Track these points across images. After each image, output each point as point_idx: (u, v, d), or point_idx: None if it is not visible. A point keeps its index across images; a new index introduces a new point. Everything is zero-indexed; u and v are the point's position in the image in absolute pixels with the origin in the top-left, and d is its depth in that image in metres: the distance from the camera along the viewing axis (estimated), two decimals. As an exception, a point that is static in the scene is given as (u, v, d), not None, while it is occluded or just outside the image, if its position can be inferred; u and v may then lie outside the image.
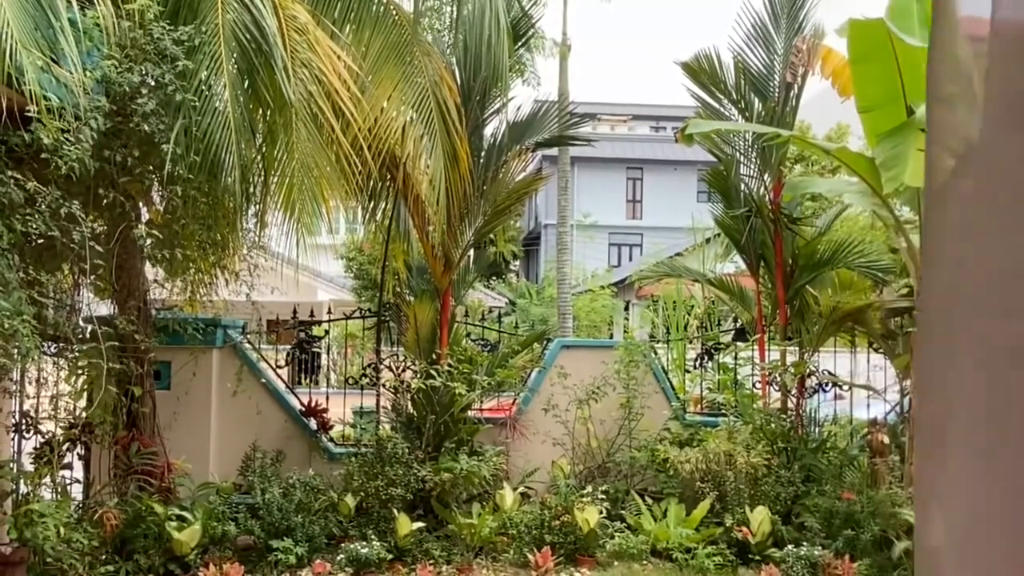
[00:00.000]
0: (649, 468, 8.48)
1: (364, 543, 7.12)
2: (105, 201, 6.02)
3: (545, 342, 9.90)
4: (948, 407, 0.99)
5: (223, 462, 8.06)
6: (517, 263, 38.07)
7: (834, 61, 8.76)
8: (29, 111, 4.95)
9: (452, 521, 7.62)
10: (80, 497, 7.40)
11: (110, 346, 6.36)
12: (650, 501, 8.17)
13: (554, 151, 20.08)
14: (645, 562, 7.45)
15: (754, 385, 9.41)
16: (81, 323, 6.85)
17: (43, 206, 5.30)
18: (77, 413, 7.16)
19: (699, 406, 9.89)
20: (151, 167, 6.11)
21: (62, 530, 5.94)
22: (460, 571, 7.21)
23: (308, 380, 10.72)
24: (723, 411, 9.03)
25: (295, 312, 9.11)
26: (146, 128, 5.73)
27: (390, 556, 7.16)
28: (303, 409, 8.55)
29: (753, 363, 9.41)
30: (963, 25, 0.99)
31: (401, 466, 7.65)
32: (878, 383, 9.26)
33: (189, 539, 6.76)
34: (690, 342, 10.96)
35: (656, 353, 9.72)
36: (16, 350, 5.08)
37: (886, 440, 7.55)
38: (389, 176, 8.40)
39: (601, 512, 7.66)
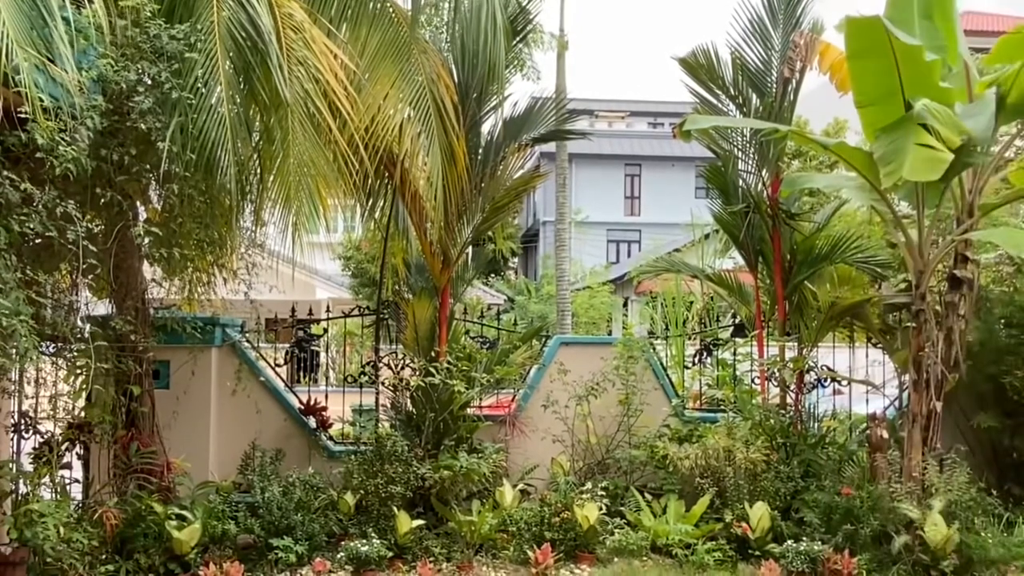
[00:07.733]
0: (648, 464, 8.48)
1: (364, 541, 7.11)
2: (102, 200, 6.01)
3: (544, 339, 9.89)
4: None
5: (222, 461, 8.06)
6: (516, 260, 38.09)
7: (832, 56, 8.74)
8: (22, 110, 4.94)
9: (452, 518, 7.62)
10: (80, 497, 7.40)
11: (108, 345, 6.35)
12: (649, 497, 8.18)
13: (552, 148, 20.08)
14: (645, 558, 7.45)
15: (753, 381, 9.41)
16: (79, 323, 6.84)
17: (40, 206, 5.28)
18: (76, 413, 7.15)
19: (698, 402, 9.89)
20: (148, 166, 6.10)
21: (62, 530, 5.94)
22: (460, 568, 7.22)
23: (307, 378, 10.72)
24: (722, 407, 9.02)
25: (294, 310, 9.10)
26: (143, 126, 5.72)
27: (390, 554, 7.16)
28: (302, 407, 8.54)
29: (752, 359, 9.40)
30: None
31: (401, 464, 7.65)
32: (877, 378, 9.25)
33: (189, 538, 6.77)
34: (689, 338, 10.96)
35: (655, 349, 9.71)
36: (14, 350, 5.07)
37: (885, 435, 7.54)
38: (387, 174, 8.39)
39: (601, 509, 7.66)
